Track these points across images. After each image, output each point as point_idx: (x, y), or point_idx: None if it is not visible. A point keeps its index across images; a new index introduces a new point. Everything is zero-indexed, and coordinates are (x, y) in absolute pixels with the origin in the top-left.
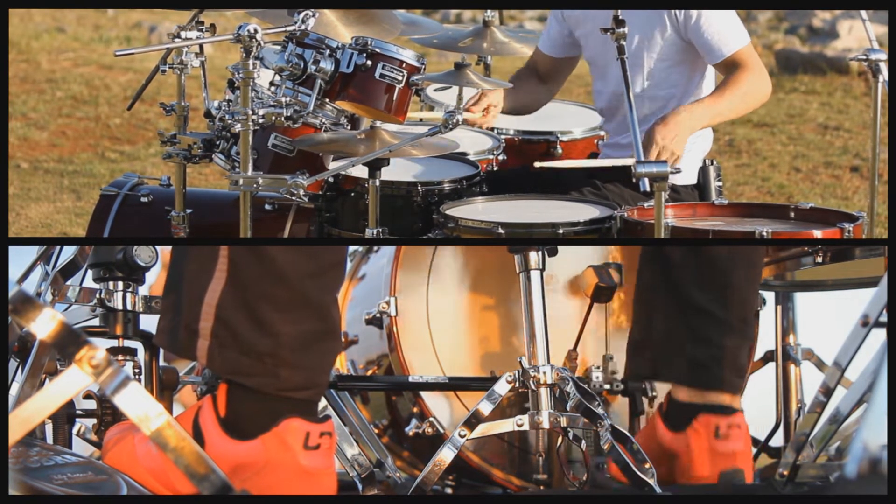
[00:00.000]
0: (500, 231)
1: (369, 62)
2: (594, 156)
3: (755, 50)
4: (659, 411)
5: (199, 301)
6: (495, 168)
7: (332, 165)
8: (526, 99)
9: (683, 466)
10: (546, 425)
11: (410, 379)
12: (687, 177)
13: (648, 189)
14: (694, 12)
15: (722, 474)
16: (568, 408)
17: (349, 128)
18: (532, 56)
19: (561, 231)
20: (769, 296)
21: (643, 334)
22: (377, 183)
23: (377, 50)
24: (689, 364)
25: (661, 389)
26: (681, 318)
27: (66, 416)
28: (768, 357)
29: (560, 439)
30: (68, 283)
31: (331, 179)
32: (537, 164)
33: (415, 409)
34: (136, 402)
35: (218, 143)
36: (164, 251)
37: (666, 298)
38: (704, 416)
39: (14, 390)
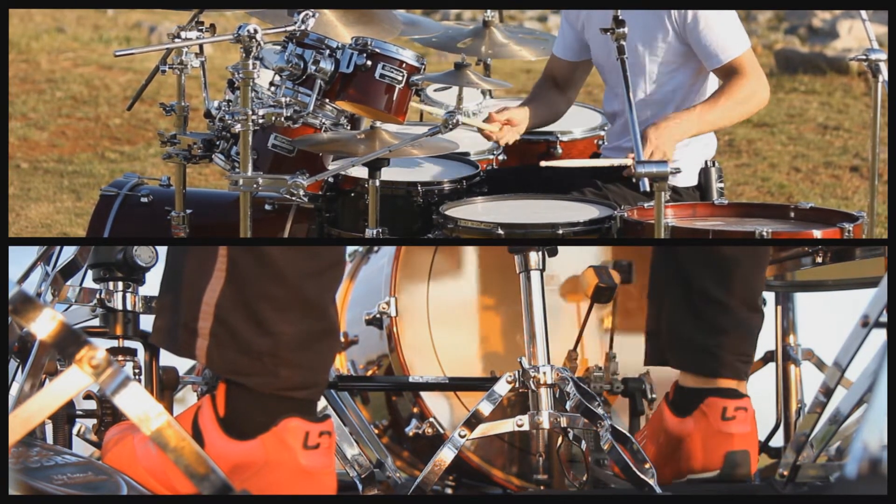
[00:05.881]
0: (500, 231)
1: (369, 62)
2: (595, 156)
3: (755, 52)
4: (665, 400)
5: (198, 300)
6: (495, 167)
7: (332, 165)
8: (546, 112)
9: (688, 450)
10: (546, 425)
11: (410, 379)
12: (688, 178)
13: (648, 189)
14: (693, 16)
15: (727, 455)
16: (568, 408)
17: (349, 128)
18: (548, 64)
19: (561, 231)
20: (769, 296)
21: (654, 323)
22: (377, 183)
23: (377, 50)
24: (696, 351)
25: (664, 384)
26: (689, 307)
27: (66, 416)
28: (768, 357)
29: (560, 439)
30: (68, 283)
31: (331, 179)
32: (543, 163)
33: (415, 410)
34: (136, 402)
35: (218, 143)
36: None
37: (675, 287)
38: (712, 399)
39: (14, 390)
